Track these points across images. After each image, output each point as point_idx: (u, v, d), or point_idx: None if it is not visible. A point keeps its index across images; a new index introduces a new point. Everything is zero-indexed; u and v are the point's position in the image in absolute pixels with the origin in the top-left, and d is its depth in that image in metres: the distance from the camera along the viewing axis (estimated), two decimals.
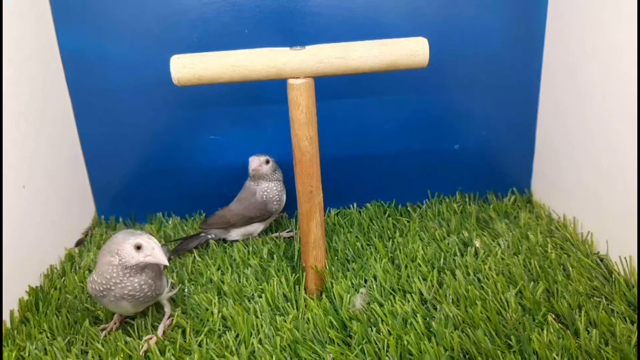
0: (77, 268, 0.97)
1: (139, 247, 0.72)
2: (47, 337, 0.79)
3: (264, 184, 1.00)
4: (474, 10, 1.01)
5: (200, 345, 0.76)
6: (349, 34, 0.92)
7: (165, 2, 0.99)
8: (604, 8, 0.84)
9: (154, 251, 0.73)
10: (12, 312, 0.84)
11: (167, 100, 1.06)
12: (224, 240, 1.04)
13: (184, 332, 0.79)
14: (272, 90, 1.00)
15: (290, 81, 0.75)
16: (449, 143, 1.11)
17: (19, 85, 0.90)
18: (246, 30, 1.00)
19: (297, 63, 0.73)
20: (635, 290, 0.78)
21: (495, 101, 1.08)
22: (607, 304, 0.76)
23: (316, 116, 0.77)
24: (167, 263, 0.73)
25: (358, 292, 0.82)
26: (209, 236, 1.03)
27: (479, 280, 0.84)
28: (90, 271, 0.96)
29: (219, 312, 0.81)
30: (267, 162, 1.00)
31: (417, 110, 1.08)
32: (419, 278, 0.84)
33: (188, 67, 0.74)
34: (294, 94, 0.75)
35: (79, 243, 1.07)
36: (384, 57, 0.74)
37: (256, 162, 0.99)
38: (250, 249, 1.00)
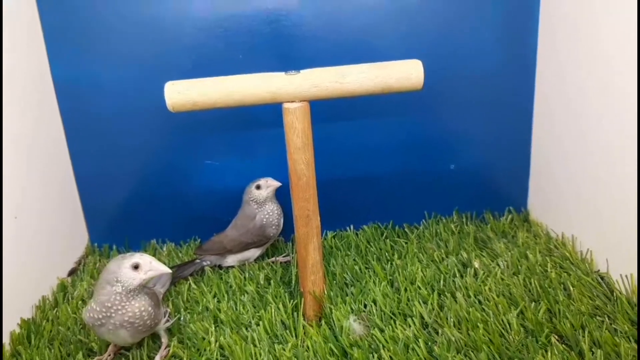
0: (70, 298, 0.95)
1: (136, 267, 0.72)
2: None
3: (267, 207, 0.99)
4: (466, 32, 1.02)
5: None
6: (343, 57, 0.92)
7: (159, 28, 0.99)
8: (597, 24, 0.85)
9: (152, 264, 0.73)
10: (3, 346, 0.81)
11: (160, 125, 1.05)
12: (220, 267, 1.02)
13: None
14: (267, 114, 1.00)
15: (286, 105, 0.74)
16: (444, 163, 1.11)
17: (11, 112, 0.89)
18: (240, 55, 1.00)
19: (292, 88, 0.73)
20: None
21: (490, 120, 1.09)
22: (610, 324, 0.75)
23: (312, 139, 0.76)
24: (168, 270, 0.74)
25: (350, 320, 0.80)
26: (204, 263, 1.01)
27: (479, 302, 0.83)
28: (83, 301, 0.94)
29: (216, 341, 0.79)
30: None
31: (412, 131, 1.08)
32: (419, 301, 0.83)
33: (182, 93, 0.73)
34: (289, 118, 0.74)
35: (71, 272, 1.05)
36: (378, 80, 0.74)
37: None
38: (247, 274, 0.98)
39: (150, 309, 0.75)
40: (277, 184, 0.98)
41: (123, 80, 1.02)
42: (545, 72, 1.02)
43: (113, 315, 0.72)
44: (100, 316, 0.72)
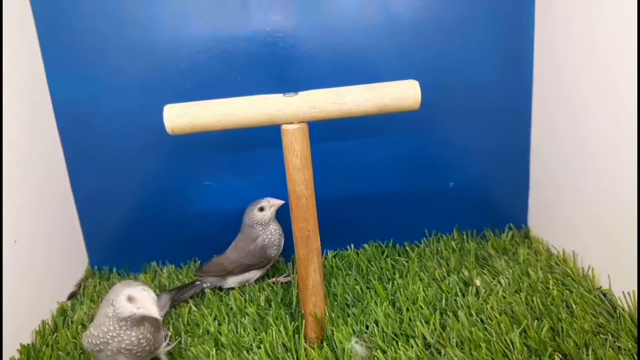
0: (70, 322, 0.95)
1: (131, 299, 0.71)
2: None
3: (270, 227, 0.99)
4: (461, 48, 1.03)
5: None
6: (341, 78, 0.93)
7: (158, 50, 1.00)
8: (593, 34, 0.84)
9: (146, 303, 0.71)
10: None
11: (159, 147, 1.05)
12: (220, 288, 1.02)
13: None
14: (266, 135, 1.00)
15: (284, 127, 0.75)
16: (443, 181, 1.12)
17: (10, 135, 0.89)
18: (239, 77, 1.01)
19: (290, 109, 0.74)
20: None
21: (488, 137, 1.09)
22: (614, 341, 0.75)
23: (311, 160, 0.77)
24: (157, 316, 0.71)
25: (352, 342, 0.79)
26: (205, 285, 1.00)
27: (482, 321, 0.82)
28: (83, 325, 0.93)
29: None
30: None
31: (410, 148, 1.09)
32: (421, 321, 0.82)
33: (181, 117, 0.74)
34: (288, 139, 0.75)
35: (71, 296, 1.05)
36: (376, 101, 0.74)
37: None
38: (247, 296, 0.98)
39: (149, 335, 0.74)
40: (279, 202, 0.99)
41: (122, 102, 1.03)
42: (542, 87, 1.03)
43: (110, 341, 0.71)
44: (98, 342, 0.72)
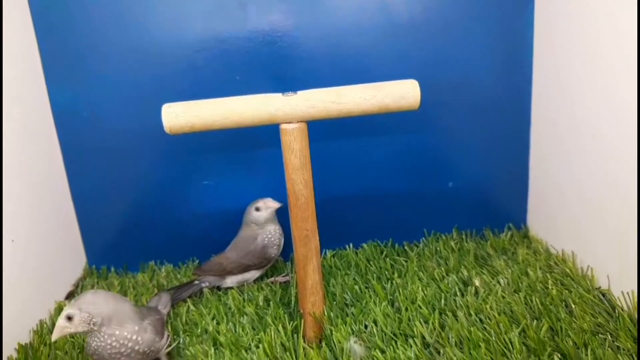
0: None
1: None
2: None
3: (268, 227, 0.99)
4: (460, 47, 1.03)
5: None
6: (340, 77, 0.93)
7: (156, 50, 1.00)
8: (594, 32, 0.84)
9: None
10: None
11: (157, 147, 1.05)
12: (218, 288, 1.02)
13: None
14: (265, 134, 1.00)
15: (283, 126, 0.74)
16: (443, 180, 1.11)
17: (9, 136, 0.89)
18: (237, 77, 1.01)
19: (289, 108, 0.73)
20: None
21: (487, 136, 1.09)
22: (613, 341, 0.75)
23: (310, 159, 0.76)
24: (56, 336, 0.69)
25: (351, 342, 0.79)
26: (203, 284, 1.00)
27: (481, 320, 0.82)
28: None
29: None
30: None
31: (409, 148, 1.09)
32: (420, 321, 0.82)
33: (179, 116, 0.73)
34: (287, 138, 0.75)
35: (69, 295, 1.05)
36: (375, 100, 0.74)
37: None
38: (246, 296, 0.98)
39: (135, 337, 0.73)
40: (276, 205, 0.98)
41: (120, 101, 1.02)
42: (542, 86, 1.03)
43: (91, 344, 0.72)
44: (90, 350, 0.72)
